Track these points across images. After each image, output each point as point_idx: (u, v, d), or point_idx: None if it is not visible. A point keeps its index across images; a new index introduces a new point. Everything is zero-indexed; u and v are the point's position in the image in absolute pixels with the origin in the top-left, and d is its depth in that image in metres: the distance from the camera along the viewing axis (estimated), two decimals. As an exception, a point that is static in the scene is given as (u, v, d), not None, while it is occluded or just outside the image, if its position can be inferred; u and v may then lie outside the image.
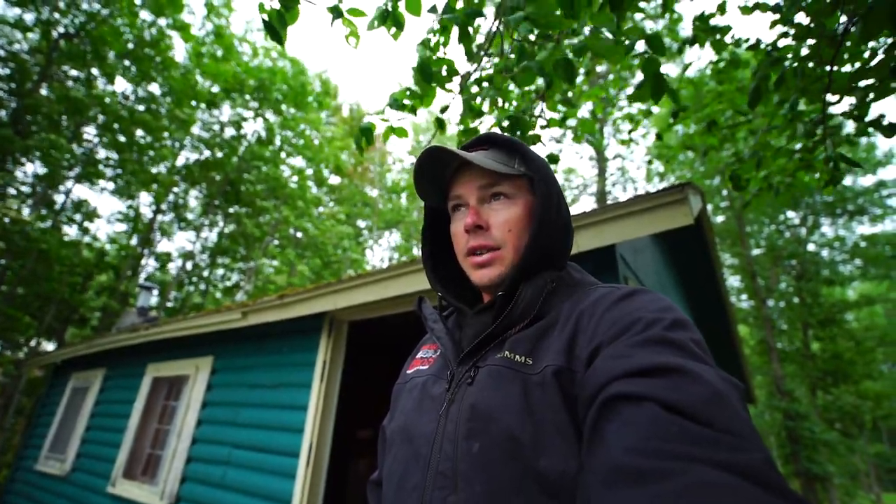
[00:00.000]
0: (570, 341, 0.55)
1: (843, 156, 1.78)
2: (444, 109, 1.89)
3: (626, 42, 1.42)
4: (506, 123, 1.79)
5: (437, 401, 0.63)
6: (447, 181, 0.74)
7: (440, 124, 1.89)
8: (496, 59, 1.83)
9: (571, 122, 2.39)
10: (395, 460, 0.65)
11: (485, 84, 1.88)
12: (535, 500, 0.48)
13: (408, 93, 1.76)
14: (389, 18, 1.55)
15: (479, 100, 1.91)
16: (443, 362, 0.69)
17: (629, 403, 0.40)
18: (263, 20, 1.40)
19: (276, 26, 1.41)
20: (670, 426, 0.37)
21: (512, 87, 2.16)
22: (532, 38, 1.67)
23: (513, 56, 1.60)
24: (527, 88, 2.07)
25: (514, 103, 2.22)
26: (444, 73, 1.72)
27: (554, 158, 2.07)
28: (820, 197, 15.49)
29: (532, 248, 0.64)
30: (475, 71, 1.82)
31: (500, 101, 1.98)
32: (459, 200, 0.70)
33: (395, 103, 1.76)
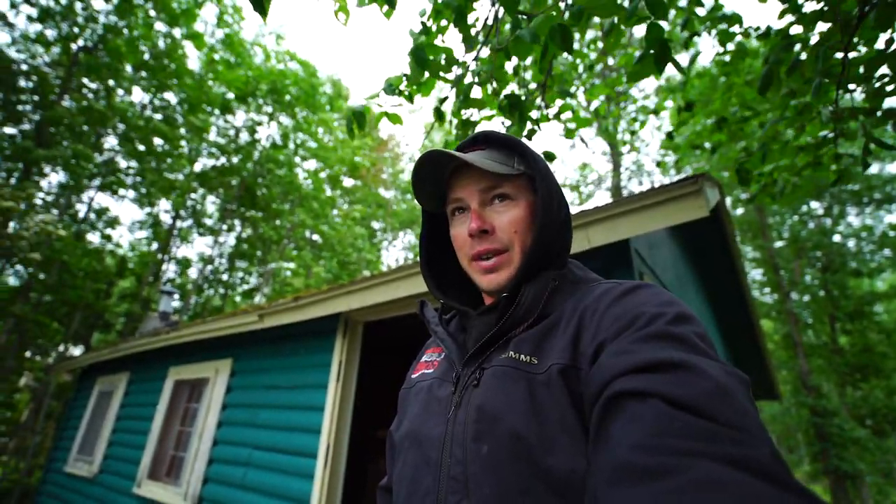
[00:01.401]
0: (575, 339, 0.54)
1: (875, 139, 1.69)
2: (442, 101, 1.85)
3: (627, 4, 1.33)
4: (503, 99, 1.72)
5: (443, 404, 0.63)
6: (445, 184, 0.72)
7: (439, 115, 1.86)
8: (493, 44, 1.77)
9: (567, 114, 2.32)
10: (404, 465, 0.64)
11: (481, 73, 1.81)
12: (543, 500, 0.47)
13: (404, 79, 1.70)
14: (380, -6, 1.50)
15: (475, 87, 1.85)
16: (447, 365, 0.69)
17: (634, 400, 0.40)
18: None
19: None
20: (674, 422, 0.36)
21: (508, 69, 2.09)
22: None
23: (507, 28, 1.54)
24: (523, 75, 2.00)
25: (511, 89, 2.14)
26: (442, 62, 1.67)
27: (549, 156, 2.02)
28: (845, 185, 15.00)
29: (535, 248, 0.63)
30: (473, 61, 1.77)
31: (494, 83, 1.90)
32: (460, 203, 0.69)
33: (390, 88, 1.70)
